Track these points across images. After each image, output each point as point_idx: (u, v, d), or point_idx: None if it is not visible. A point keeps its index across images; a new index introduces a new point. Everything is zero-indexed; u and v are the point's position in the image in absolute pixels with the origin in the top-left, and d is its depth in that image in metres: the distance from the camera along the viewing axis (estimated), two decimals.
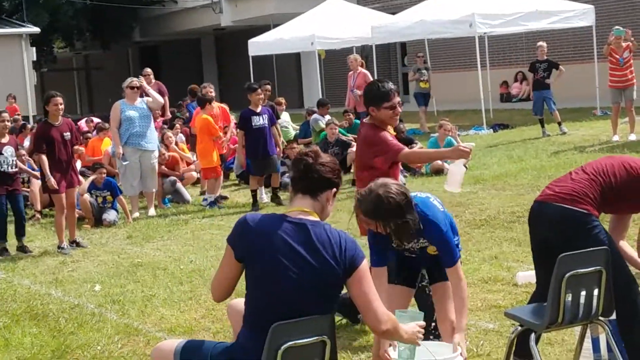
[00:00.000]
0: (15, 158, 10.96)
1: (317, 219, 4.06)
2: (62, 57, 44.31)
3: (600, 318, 5.00)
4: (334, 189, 4.11)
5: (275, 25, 27.78)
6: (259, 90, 13.20)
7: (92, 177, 12.88)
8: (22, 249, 10.90)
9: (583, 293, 4.83)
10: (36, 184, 13.36)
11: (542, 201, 5.42)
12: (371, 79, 19.22)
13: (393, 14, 24.78)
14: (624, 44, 16.03)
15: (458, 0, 20.75)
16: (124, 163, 12.70)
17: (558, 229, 5.26)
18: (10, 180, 10.88)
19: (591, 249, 4.89)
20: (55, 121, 10.63)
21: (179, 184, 14.11)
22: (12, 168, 10.88)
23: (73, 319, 7.65)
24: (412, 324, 4.23)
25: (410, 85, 31.27)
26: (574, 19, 20.48)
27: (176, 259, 9.84)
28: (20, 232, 11.01)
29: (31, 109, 31.45)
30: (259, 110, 13.05)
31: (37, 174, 12.03)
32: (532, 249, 5.56)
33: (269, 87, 15.02)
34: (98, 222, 12.44)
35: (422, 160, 6.38)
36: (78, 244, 10.91)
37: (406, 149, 6.34)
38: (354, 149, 14.83)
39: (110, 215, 12.45)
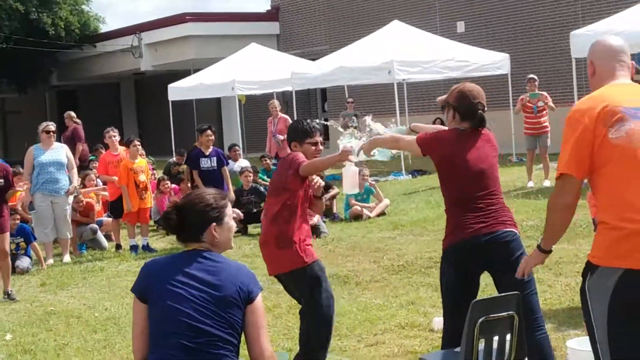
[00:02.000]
0: None
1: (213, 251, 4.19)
2: None
3: None
4: (213, 224, 4.15)
5: (196, 70, 27.81)
6: (209, 132, 13.07)
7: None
8: (7, 295, 10.51)
9: (496, 338, 4.87)
10: None
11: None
12: None
13: (313, 60, 24.98)
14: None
15: (377, 48, 21.04)
16: (32, 212, 12.49)
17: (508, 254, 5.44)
18: None
19: (504, 294, 4.94)
20: None
21: (99, 232, 13.89)
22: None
23: None
24: None
25: (332, 131, 31.50)
26: (490, 67, 20.93)
27: (91, 306, 9.65)
28: None
29: None
30: (208, 152, 12.98)
31: None
32: (460, 285, 5.53)
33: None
34: (11, 269, 12.13)
35: (319, 168, 6.60)
36: (9, 295, 10.29)
37: (306, 161, 6.38)
38: None
39: (23, 262, 12.17)
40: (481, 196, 5.49)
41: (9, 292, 10.31)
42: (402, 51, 20.40)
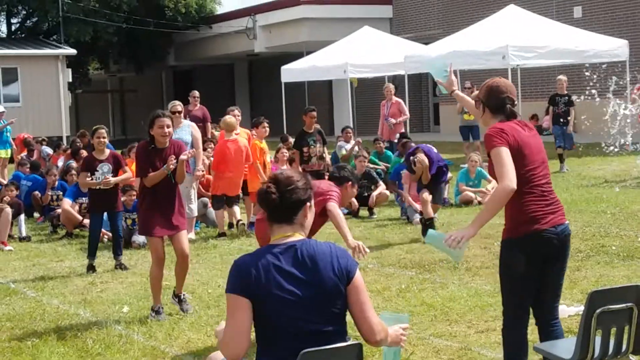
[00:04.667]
0: (111, 175, 10.92)
1: (302, 237, 4.08)
2: (96, 79, 44.74)
3: (631, 356, 4.96)
4: (307, 204, 4.10)
5: (308, 53, 27.96)
6: (313, 113, 13.36)
7: (122, 199, 12.96)
8: (119, 266, 10.93)
9: (613, 330, 4.80)
10: (66, 203, 13.48)
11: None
12: (405, 108, 19.26)
13: (426, 44, 24.82)
14: None
15: (492, 32, 20.79)
16: None
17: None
18: (106, 197, 10.89)
19: (624, 285, 4.85)
20: (160, 145, 8.65)
21: (210, 207, 14.11)
22: (107, 185, 10.87)
23: (100, 340, 7.67)
24: (395, 326, 4.25)
25: (443, 115, 31.32)
26: (607, 54, 20.45)
27: (204, 282, 9.86)
28: (117, 251, 11.07)
29: (65, 130, 31.80)
30: (311, 130, 13.18)
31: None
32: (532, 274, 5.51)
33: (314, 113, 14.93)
34: (127, 244, 12.46)
35: (335, 224, 7.40)
36: (181, 301, 8.66)
37: (333, 206, 7.24)
38: (381, 187, 14.67)
39: (139, 237, 12.46)
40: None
41: (181, 297, 8.70)
42: (517, 36, 20.10)
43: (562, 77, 18.61)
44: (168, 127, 8.51)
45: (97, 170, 10.84)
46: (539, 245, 5.38)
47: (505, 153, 5.28)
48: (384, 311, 4.41)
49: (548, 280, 5.44)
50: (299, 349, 3.88)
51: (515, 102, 5.63)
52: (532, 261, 5.42)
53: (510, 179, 5.19)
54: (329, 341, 3.96)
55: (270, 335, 3.99)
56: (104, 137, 11.00)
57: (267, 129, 13.40)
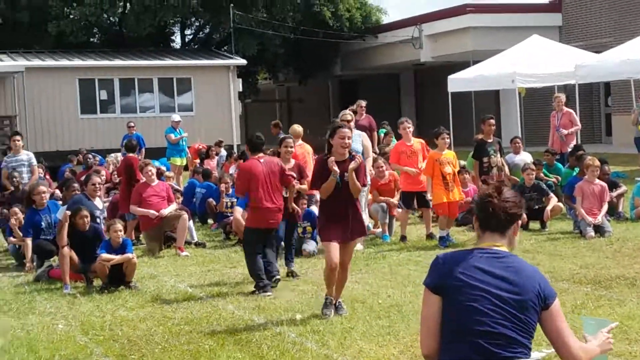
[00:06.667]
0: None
1: (508, 251, 4.20)
2: (264, 88, 45.71)
3: None
4: (518, 221, 4.25)
5: (475, 62, 27.71)
6: (492, 121, 13.23)
7: None
8: (291, 274, 11.14)
9: None
10: (237, 211, 13.78)
11: None
12: (576, 118, 18.81)
13: (597, 52, 24.18)
14: None
15: None
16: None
17: None
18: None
19: None
20: (339, 158, 8.79)
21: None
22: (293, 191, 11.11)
23: (275, 346, 7.81)
24: (599, 334, 4.28)
25: (615, 126, 30.38)
26: None
27: (374, 292, 9.91)
28: (289, 258, 11.30)
29: (235, 139, 32.66)
30: (490, 140, 13.09)
31: None
32: None
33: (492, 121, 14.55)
34: (298, 252, 12.66)
35: None
36: (337, 307, 8.99)
37: None
38: (554, 200, 14.23)
39: (309, 245, 12.68)
40: None
41: (336, 304, 9.01)
42: None
43: None
44: (349, 138, 8.75)
45: None
46: None
47: None
48: (585, 316, 4.39)
49: None
50: (482, 348, 3.99)
51: None
52: None
53: None
54: (511, 348, 4.00)
55: (456, 331, 4.07)
56: (291, 147, 11.35)
57: (447, 140, 13.21)
